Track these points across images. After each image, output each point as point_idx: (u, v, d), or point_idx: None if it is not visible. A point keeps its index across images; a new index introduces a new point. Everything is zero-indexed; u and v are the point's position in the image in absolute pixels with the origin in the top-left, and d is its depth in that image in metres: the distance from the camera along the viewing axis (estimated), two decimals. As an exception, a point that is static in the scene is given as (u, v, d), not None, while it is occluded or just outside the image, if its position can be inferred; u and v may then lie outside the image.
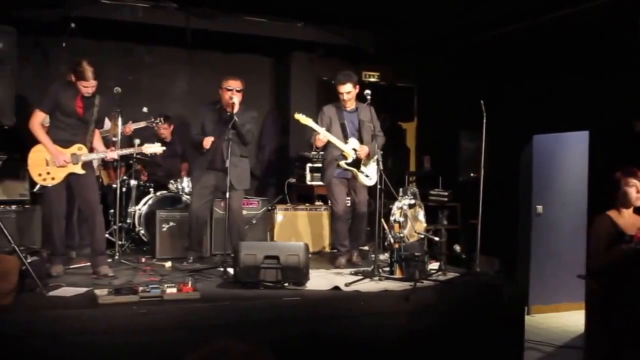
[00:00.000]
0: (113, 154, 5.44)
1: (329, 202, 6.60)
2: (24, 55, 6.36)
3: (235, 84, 5.87)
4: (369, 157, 6.07)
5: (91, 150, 5.32)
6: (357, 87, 6.06)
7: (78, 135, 5.22)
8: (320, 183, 7.44)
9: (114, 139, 6.23)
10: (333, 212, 6.39)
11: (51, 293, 4.43)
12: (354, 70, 6.32)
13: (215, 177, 5.94)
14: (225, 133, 5.72)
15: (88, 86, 5.07)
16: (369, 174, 6.08)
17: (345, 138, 6.03)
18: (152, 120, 6.82)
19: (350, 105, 6.09)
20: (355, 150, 5.99)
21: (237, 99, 5.78)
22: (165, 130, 7.54)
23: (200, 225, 6.14)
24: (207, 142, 5.85)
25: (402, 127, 9.29)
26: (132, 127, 6.69)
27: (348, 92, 5.99)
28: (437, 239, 5.90)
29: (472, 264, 6.12)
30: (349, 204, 6.30)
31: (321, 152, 6.44)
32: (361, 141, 6.05)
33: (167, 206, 6.79)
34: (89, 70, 5.02)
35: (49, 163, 5.12)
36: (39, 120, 5.16)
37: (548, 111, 6.89)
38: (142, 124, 6.76)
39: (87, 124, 5.25)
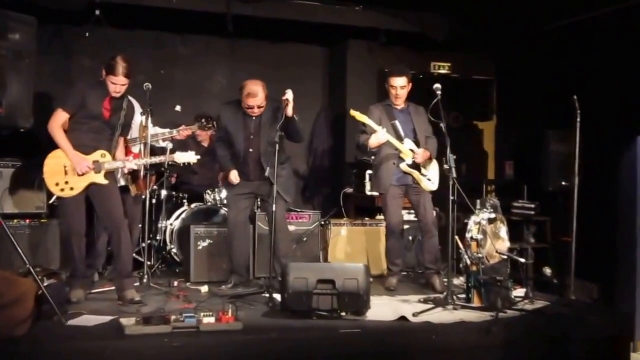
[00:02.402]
0: (132, 164, 5.41)
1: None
2: (43, 48, 6.44)
3: (255, 96, 5.74)
4: (430, 159, 6.16)
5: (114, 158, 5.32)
6: (411, 84, 6.14)
7: (102, 140, 5.25)
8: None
9: (134, 141, 6.12)
10: (387, 227, 6.40)
11: (71, 322, 4.47)
12: (421, 61, 6.32)
13: (251, 184, 5.98)
14: (266, 137, 5.78)
15: (117, 83, 5.12)
16: (432, 178, 6.21)
17: (399, 139, 6.09)
18: (205, 124, 6.61)
19: (401, 102, 6.19)
20: (413, 152, 6.05)
21: (258, 110, 5.80)
22: (204, 134, 7.50)
23: (243, 240, 6.10)
24: (233, 177, 5.90)
25: (478, 127, 9.26)
26: (186, 132, 6.41)
27: (402, 87, 6.14)
28: (522, 260, 5.79)
29: (566, 290, 6.02)
30: (405, 219, 6.44)
31: (372, 157, 6.44)
32: (417, 143, 6.10)
33: (203, 221, 6.81)
34: (120, 66, 5.07)
35: (68, 171, 5.14)
36: (60, 122, 5.19)
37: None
38: (194, 128, 6.55)
39: (113, 128, 5.29)
